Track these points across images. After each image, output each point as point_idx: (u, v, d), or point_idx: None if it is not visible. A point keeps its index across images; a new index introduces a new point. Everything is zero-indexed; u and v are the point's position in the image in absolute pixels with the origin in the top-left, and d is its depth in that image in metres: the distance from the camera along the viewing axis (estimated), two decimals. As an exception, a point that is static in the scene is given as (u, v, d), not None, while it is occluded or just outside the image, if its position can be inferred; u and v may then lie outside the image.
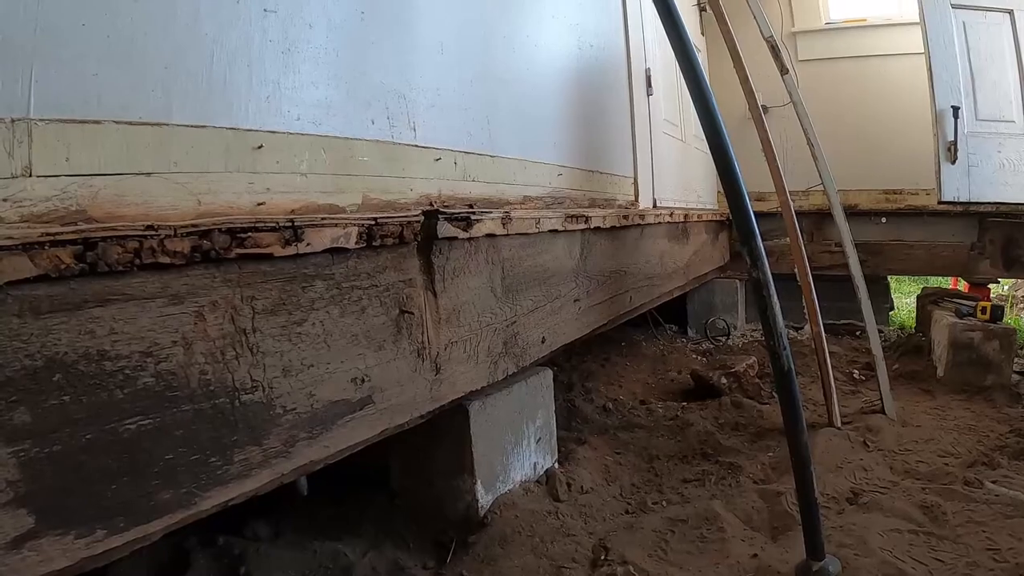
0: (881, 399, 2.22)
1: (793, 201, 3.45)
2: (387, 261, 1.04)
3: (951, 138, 2.88)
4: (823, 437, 2.01)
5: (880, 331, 3.67)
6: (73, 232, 0.69)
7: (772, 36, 2.27)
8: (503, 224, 1.29)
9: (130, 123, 0.82)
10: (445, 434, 1.43)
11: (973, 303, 2.73)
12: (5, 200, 0.71)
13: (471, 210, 1.19)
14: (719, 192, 3.83)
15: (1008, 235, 3.12)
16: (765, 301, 1.30)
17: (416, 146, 1.26)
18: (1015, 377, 2.68)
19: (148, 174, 0.84)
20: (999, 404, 2.39)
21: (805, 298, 2.14)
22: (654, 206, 2.58)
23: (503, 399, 1.52)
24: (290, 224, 0.86)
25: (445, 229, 1.13)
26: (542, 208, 1.63)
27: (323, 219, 0.91)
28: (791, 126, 3.37)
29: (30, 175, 0.73)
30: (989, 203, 3.03)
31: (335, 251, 0.95)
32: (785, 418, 1.37)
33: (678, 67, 2.37)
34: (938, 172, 2.92)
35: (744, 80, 2.07)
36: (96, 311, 0.72)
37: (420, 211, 1.09)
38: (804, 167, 3.46)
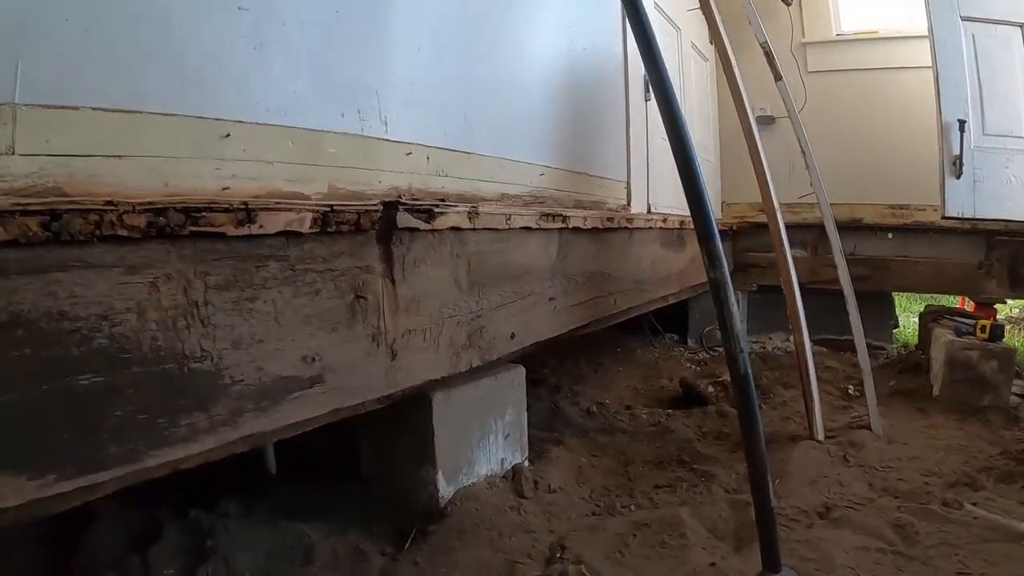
0: (868, 414, 2.25)
1: (797, 213, 3.53)
2: (343, 247, 1.13)
3: (956, 152, 2.90)
4: (801, 450, 2.05)
5: (882, 348, 3.71)
6: (41, 204, 0.79)
7: (767, 42, 2.33)
8: (469, 218, 1.38)
9: (105, 109, 0.92)
10: (409, 423, 1.51)
11: (973, 322, 2.74)
12: (-12, 174, 0.81)
13: (435, 203, 1.27)
14: (723, 203, 3.88)
15: (1015, 254, 3.12)
16: (722, 303, 1.36)
17: (386, 140, 1.35)
18: (1014, 399, 2.68)
19: (120, 156, 0.95)
20: (994, 425, 2.40)
21: (788, 307, 2.19)
22: (648, 211, 2.64)
23: (470, 391, 1.60)
24: (244, 207, 0.95)
25: (405, 220, 1.22)
26: (519, 206, 1.71)
27: (277, 203, 1.00)
28: (798, 136, 3.42)
29: (12, 153, 0.84)
30: (995, 220, 3.03)
31: (290, 234, 1.04)
32: (741, 422, 1.42)
33: (682, 73, 2.42)
34: (942, 187, 2.95)
35: (734, 89, 2.13)
36: (58, 275, 0.82)
37: (379, 201, 1.18)
38: (809, 179, 3.51)
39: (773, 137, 3.73)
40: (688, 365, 3.22)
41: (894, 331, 4.18)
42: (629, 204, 2.47)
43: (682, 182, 1.40)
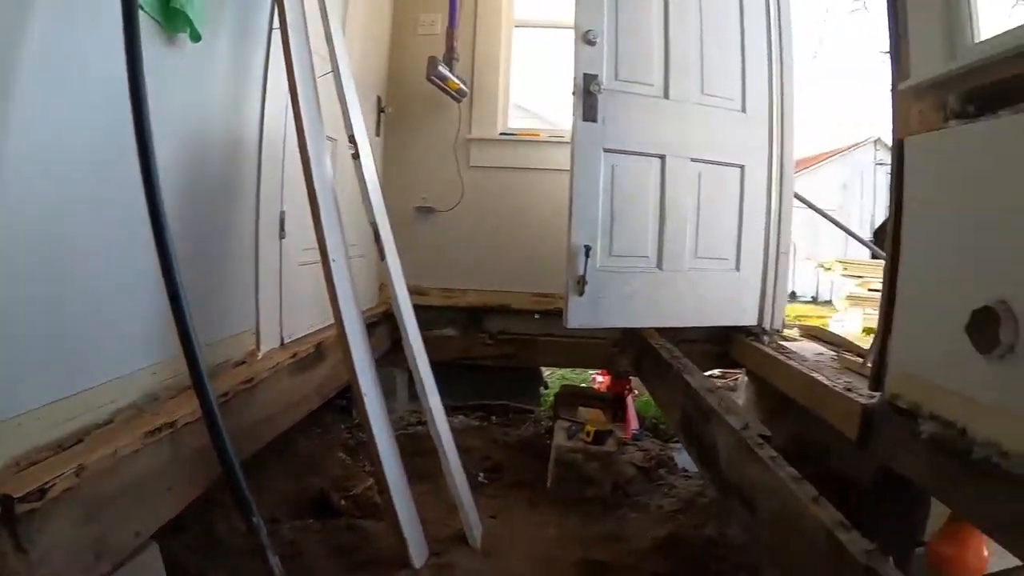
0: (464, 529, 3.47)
1: (450, 297, 5.10)
2: (-19, 549, 2.02)
3: (581, 273, 4.19)
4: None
5: (531, 411, 5.39)
6: None
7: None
8: (77, 475, 2.30)
9: None
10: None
11: (581, 425, 4.32)
12: None
13: (44, 483, 2.19)
14: (381, 285, 5.05)
15: (639, 349, 4.59)
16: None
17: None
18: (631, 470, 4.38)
19: None
20: (593, 517, 3.87)
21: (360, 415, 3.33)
22: (281, 345, 3.67)
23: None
24: None
25: (21, 507, 2.13)
26: (133, 415, 2.66)
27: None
28: (454, 227, 5.00)
29: None
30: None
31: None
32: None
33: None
34: (566, 302, 4.26)
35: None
36: None
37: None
38: (463, 267, 5.18)
39: (431, 226, 5.17)
40: (342, 456, 4.37)
41: (543, 393, 5.95)
42: (258, 348, 3.44)
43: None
